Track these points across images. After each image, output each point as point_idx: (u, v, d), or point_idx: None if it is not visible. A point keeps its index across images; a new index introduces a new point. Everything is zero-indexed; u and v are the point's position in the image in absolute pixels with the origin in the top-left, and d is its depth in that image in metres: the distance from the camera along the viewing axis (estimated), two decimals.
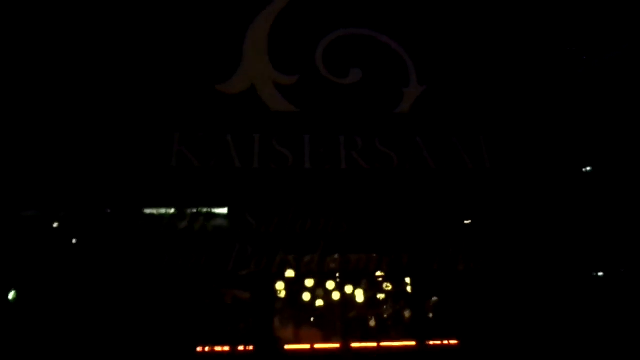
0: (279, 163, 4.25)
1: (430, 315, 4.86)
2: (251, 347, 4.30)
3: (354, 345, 4.72)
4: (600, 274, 4.39)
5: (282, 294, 4.83)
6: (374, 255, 4.03)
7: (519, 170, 4.38)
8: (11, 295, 3.92)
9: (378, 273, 5.33)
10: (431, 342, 4.65)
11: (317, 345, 4.72)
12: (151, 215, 4.12)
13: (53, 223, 4.11)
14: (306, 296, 5.00)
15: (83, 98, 4.15)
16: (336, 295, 5.00)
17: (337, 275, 5.19)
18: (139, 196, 4.12)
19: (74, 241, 4.11)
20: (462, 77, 4.66)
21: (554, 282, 4.23)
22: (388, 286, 5.34)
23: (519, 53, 4.78)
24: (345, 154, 4.30)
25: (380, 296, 5.38)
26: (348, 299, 5.07)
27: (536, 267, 4.26)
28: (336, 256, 4.04)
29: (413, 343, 4.74)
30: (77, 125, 4.09)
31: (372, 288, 5.33)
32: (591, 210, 4.34)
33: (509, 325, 4.18)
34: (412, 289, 5.04)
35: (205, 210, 4.12)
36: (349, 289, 5.08)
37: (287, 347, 4.60)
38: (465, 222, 4.18)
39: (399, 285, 5.28)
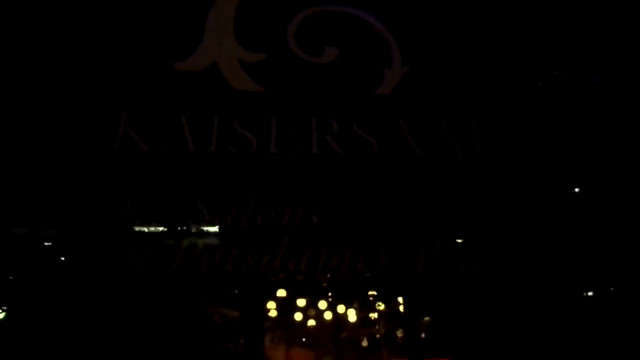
0: (240, 147, 3.75)
1: (423, 334, 4.70)
2: None
3: None
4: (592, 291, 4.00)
5: (273, 313, 4.87)
6: (348, 252, 3.45)
7: (515, 158, 3.87)
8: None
9: (370, 292, 5.06)
10: None
11: None
12: (89, 204, 3.57)
13: None
14: (298, 316, 5.07)
15: (13, 69, 3.73)
16: (328, 315, 4.97)
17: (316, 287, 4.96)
18: (74, 183, 3.61)
19: None
20: (452, 58, 4.21)
21: (551, 293, 3.80)
22: (380, 305, 5.07)
23: (511, 33, 4.37)
24: (318, 138, 3.80)
25: (373, 315, 5.13)
26: (340, 319, 4.97)
27: (533, 272, 3.72)
28: (306, 252, 3.45)
29: None
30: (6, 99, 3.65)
31: (364, 307, 5.09)
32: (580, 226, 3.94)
33: (504, 343, 3.82)
34: (404, 308, 4.84)
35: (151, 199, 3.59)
36: (341, 308, 4.95)
37: None
38: (456, 215, 3.62)
39: (391, 305, 5.04)
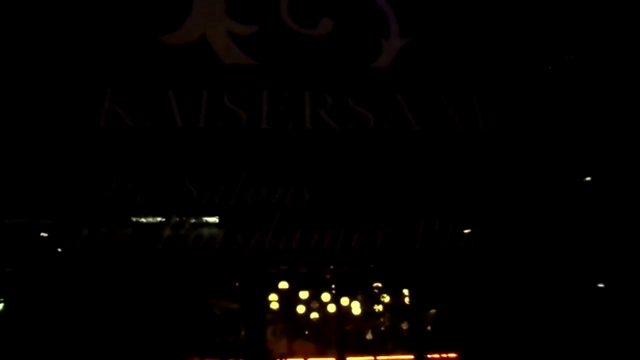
0: (230, 122, 3.62)
1: (429, 327, 4.64)
2: None
3: (350, 359, 4.53)
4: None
5: (275, 306, 4.79)
6: (342, 230, 3.32)
7: (518, 136, 3.70)
8: None
9: (375, 284, 4.98)
10: (430, 356, 4.39)
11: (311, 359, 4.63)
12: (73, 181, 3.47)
13: None
14: (300, 308, 4.94)
15: None
16: (332, 307, 4.91)
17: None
18: (57, 160, 3.50)
19: None
20: (453, 30, 4.04)
21: (557, 283, 3.68)
22: (385, 297, 4.96)
23: (519, 7, 4.18)
24: (311, 113, 3.66)
25: (378, 308, 5.03)
26: (344, 311, 4.89)
27: (535, 254, 3.57)
28: (298, 230, 3.33)
29: (411, 356, 4.49)
30: None
31: (368, 300, 4.98)
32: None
33: (510, 336, 3.72)
34: (410, 300, 4.74)
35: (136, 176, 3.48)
36: (344, 300, 4.85)
37: None
38: (454, 192, 3.47)
39: (397, 297, 4.92)
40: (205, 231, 3.36)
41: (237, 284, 4.36)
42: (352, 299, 5.03)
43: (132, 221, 3.45)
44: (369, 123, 3.65)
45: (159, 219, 3.45)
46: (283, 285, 5.02)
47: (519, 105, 3.81)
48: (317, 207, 3.43)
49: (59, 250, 3.43)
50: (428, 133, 3.63)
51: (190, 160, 3.52)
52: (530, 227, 3.53)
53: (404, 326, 4.96)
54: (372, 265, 4.71)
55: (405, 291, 4.91)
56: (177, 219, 3.41)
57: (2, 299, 3.72)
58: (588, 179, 4.03)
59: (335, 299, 4.96)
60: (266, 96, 3.72)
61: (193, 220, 3.41)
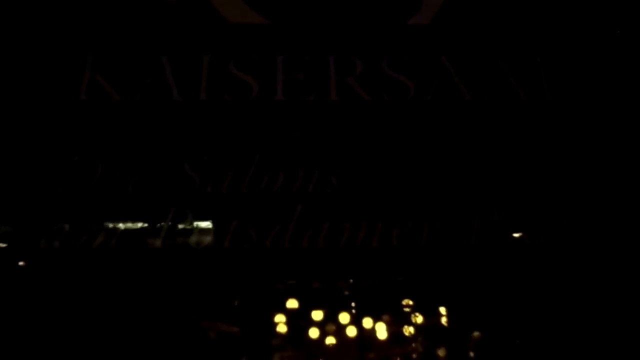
0: (238, 94, 3.02)
1: (472, 354, 3.90)
2: None
3: None
4: None
5: (282, 329, 4.07)
6: (379, 224, 2.73)
7: (591, 104, 3.07)
8: None
9: (405, 301, 4.24)
10: None
11: None
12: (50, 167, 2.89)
13: None
14: (313, 332, 4.19)
15: None
16: (351, 331, 4.15)
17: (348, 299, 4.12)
18: (30, 142, 2.93)
19: None
20: None
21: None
22: (417, 317, 4.24)
23: None
24: (337, 81, 3.04)
25: (408, 330, 4.30)
26: (366, 335, 4.14)
27: (617, 256, 2.95)
28: (325, 224, 2.74)
29: None
30: None
31: (397, 320, 4.25)
32: None
33: None
34: (448, 321, 4.11)
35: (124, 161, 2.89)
36: (367, 322, 4.12)
37: None
38: (518, 176, 2.86)
39: (432, 316, 4.20)
40: (212, 228, 2.78)
41: (236, 302, 3.77)
42: (376, 320, 4.31)
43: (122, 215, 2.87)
44: (408, 92, 3.03)
45: (143, 224, 2.87)
46: (292, 303, 4.20)
47: (590, 70, 3.16)
48: (348, 196, 2.84)
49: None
50: (482, 103, 3.01)
51: (190, 142, 2.92)
52: (602, 210, 2.92)
53: (441, 353, 4.16)
54: (400, 279, 3.99)
55: (442, 309, 4.21)
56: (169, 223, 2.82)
57: None
58: None
59: (355, 320, 4.31)
60: (281, 62, 3.10)
61: (195, 214, 2.83)
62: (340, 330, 4.27)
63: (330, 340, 4.26)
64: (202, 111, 2.99)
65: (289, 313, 4.19)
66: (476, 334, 3.88)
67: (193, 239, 2.79)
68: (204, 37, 3.15)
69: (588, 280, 3.02)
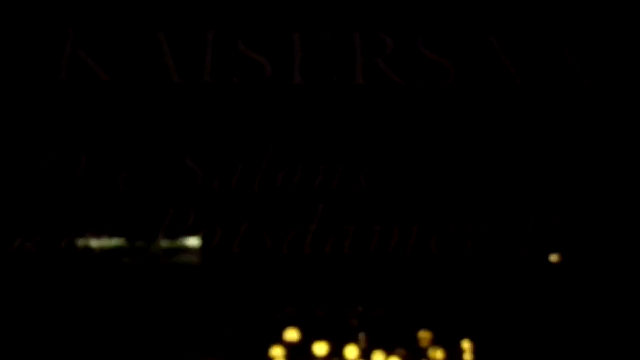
0: (248, 76, 2.67)
1: None
2: None
3: None
4: None
5: None
6: (415, 227, 2.39)
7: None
8: None
9: (422, 334, 3.87)
10: None
11: None
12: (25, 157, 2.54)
13: None
14: None
15: None
16: None
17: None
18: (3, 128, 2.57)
19: None
20: None
21: None
22: (436, 353, 3.84)
23: None
24: (363, 62, 2.71)
25: None
26: None
27: None
28: (349, 228, 2.41)
29: None
30: None
31: (412, 355, 3.86)
32: None
33: None
34: (473, 357, 3.56)
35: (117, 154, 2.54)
36: (378, 357, 3.73)
37: None
38: (583, 172, 2.53)
39: (453, 351, 3.82)
40: (218, 230, 2.41)
41: (225, 333, 3.28)
42: (389, 354, 3.90)
43: (109, 213, 2.51)
44: (448, 75, 2.69)
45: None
46: (291, 335, 3.83)
47: None
48: (377, 195, 2.50)
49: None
50: (536, 87, 2.66)
51: (193, 129, 2.60)
52: None
53: None
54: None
55: (466, 344, 3.80)
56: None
57: None
58: None
59: (365, 355, 3.88)
60: (298, 40, 2.76)
61: (197, 213, 2.46)
62: None
63: None
64: (206, 95, 2.65)
65: (288, 346, 3.77)
66: None
67: (194, 233, 2.45)
68: (207, 9, 2.81)
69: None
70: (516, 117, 2.67)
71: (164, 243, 2.55)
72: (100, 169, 2.52)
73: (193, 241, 2.63)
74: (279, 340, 3.63)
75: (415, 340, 3.80)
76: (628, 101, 2.67)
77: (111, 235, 2.53)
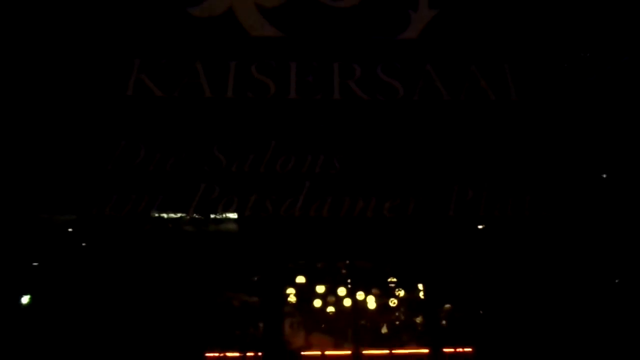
0: (258, 92, 3.83)
1: (444, 322, 5.01)
2: (260, 354, 4.46)
3: (366, 352, 4.96)
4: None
5: (292, 299, 5.26)
6: (373, 198, 3.52)
7: (551, 105, 3.89)
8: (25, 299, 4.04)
9: (390, 279, 5.32)
10: (445, 350, 4.80)
11: (328, 352, 5.02)
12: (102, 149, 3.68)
13: None
14: (317, 302, 5.37)
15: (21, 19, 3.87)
16: (347, 302, 5.32)
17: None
18: (86, 129, 3.73)
19: None
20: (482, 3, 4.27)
21: (578, 277, 3.91)
22: (400, 292, 5.26)
23: None
24: (340, 83, 3.86)
25: (392, 302, 5.32)
26: (359, 305, 5.26)
27: (563, 248, 3.81)
28: (328, 198, 3.55)
29: (426, 350, 4.94)
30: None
31: (383, 294, 5.29)
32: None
33: (527, 332, 4.00)
34: (425, 295, 5.20)
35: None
36: (360, 295, 5.19)
37: (300, 353, 4.94)
38: (488, 161, 3.67)
39: (412, 291, 5.26)
40: (235, 199, 3.58)
41: (255, 278, 4.69)
42: (367, 293, 5.38)
43: (161, 188, 3.66)
44: (398, 93, 3.85)
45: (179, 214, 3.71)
46: (300, 279, 5.42)
47: (552, 75, 4.01)
48: (348, 176, 3.63)
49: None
50: (459, 102, 3.82)
51: (219, 129, 3.72)
52: (559, 191, 3.71)
53: (419, 320, 5.32)
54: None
55: (420, 286, 5.28)
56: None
57: (28, 293, 4.05)
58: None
59: (351, 294, 5.31)
60: (294, 67, 3.93)
61: (221, 187, 3.63)
62: (338, 301, 5.38)
63: (330, 309, 5.39)
64: (229, 105, 3.79)
65: (297, 287, 5.37)
66: (447, 306, 5.00)
67: (219, 202, 3.57)
68: (230, 47, 3.98)
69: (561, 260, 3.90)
70: (444, 122, 3.83)
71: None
72: (154, 156, 3.65)
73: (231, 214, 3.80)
74: (292, 283, 5.05)
75: (385, 283, 5.24)
76: (522, 114, 3.83)
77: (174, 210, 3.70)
